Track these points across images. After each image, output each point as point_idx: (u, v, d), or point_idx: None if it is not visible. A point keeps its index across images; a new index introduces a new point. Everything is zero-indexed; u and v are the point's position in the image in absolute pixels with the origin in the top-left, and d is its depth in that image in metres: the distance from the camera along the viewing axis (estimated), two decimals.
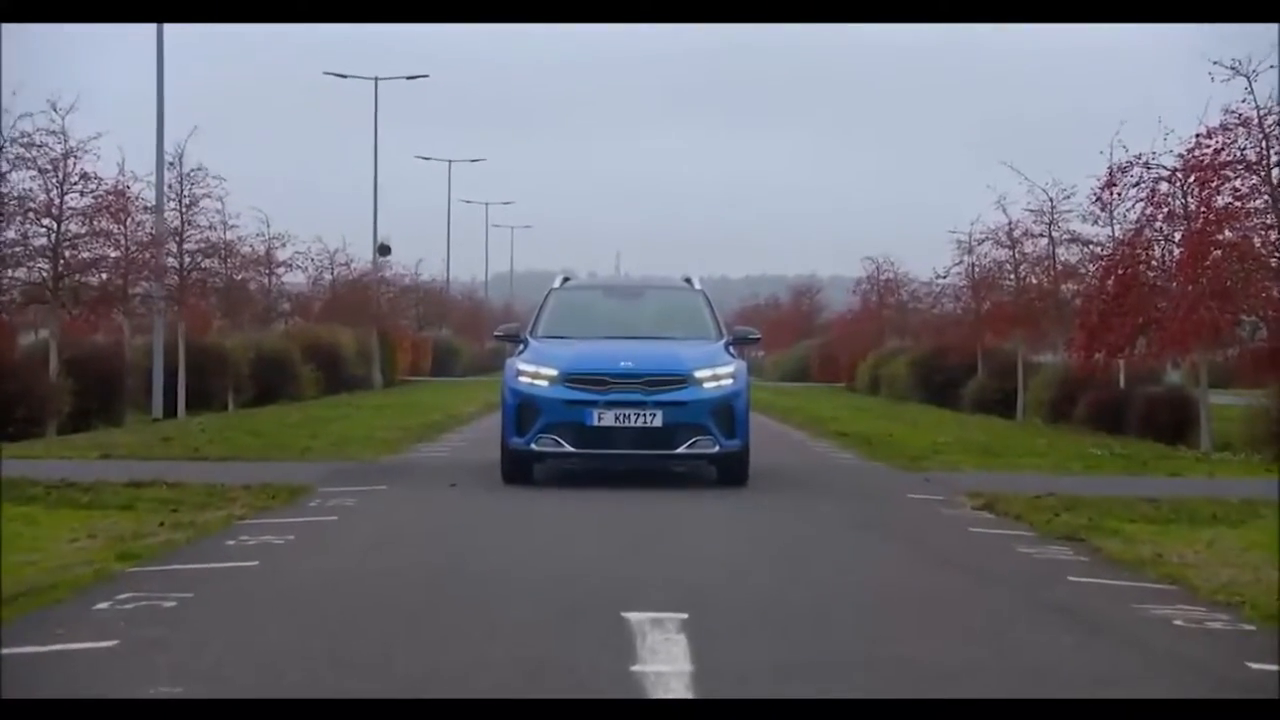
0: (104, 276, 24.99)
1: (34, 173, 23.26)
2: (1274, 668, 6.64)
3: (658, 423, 14.32)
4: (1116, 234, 23.77)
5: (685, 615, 7.43)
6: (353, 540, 10.57)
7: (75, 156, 23.48)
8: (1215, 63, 19.29)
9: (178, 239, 28.51)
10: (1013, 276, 30.77)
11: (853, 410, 33.06)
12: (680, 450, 14.45)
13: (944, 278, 34.39)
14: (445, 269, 72.95)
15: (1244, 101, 19.34)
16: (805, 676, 6.38)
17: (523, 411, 14.50)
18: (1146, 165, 20.71)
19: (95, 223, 24.09)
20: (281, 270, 37.90)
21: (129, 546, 9.79)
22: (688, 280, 16.91)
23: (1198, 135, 19.71)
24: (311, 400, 34.49)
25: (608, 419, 14.33)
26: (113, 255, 24.92)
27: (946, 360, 36.47)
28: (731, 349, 15.32)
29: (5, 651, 6.48)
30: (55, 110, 23.25)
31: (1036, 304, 29.81)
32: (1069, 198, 28.51)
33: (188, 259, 28.76)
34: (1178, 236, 20.58)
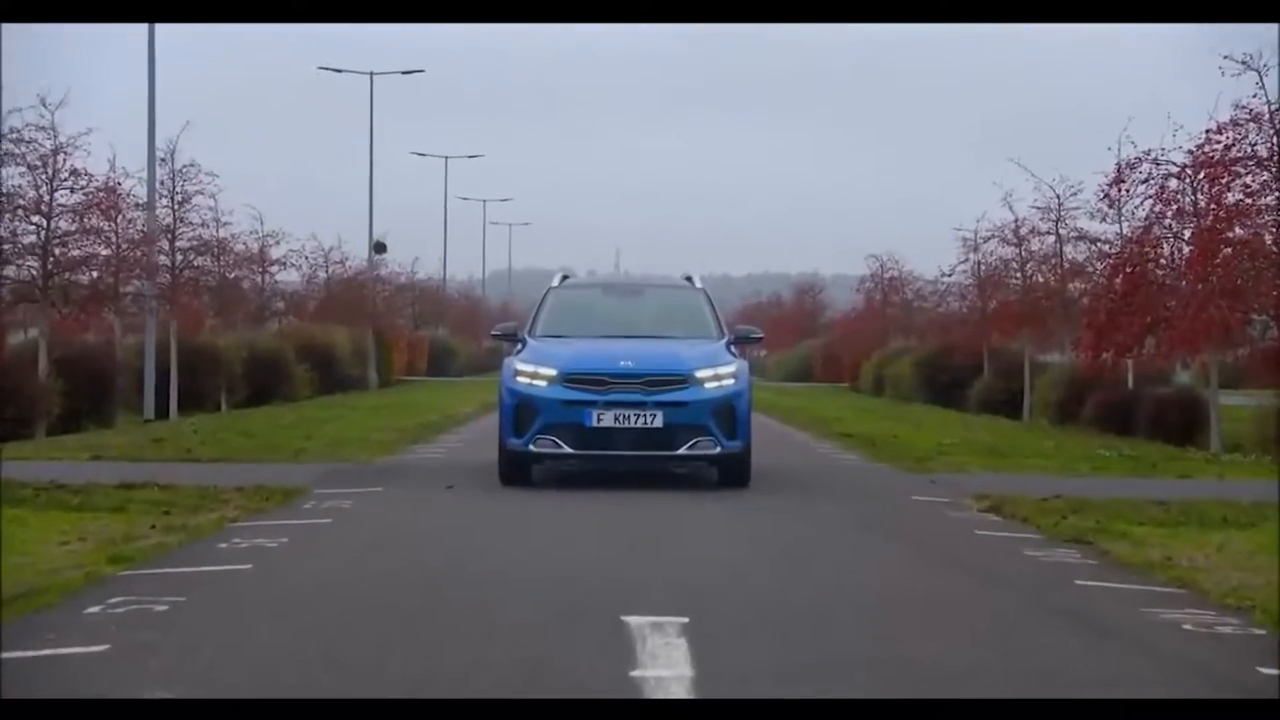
0: (94, 274, 24.98)
1: (23, 169, 23.27)
2: None
3: (658, 423, 14.32)
4: (1125, 231, 23.82)
5: (686, 619, 7.43)
6: (348, 543, 10.57)
7: (65, 152, 23.50)
8: (1226, 57, 19.30)
9: (170, 236, 28.52)
10: (1019, 275, 30.79)
11: (856, 411, 33.07)
12: (681, 451, 14.45)
13: (949, 276, 34.45)
14: (442, 267, 72.99)
15: (1255, 96, 19.35)
16: (808, 680, 6.38)
17: (521, 412, 14.50)
18: (1155, 161, 20.72)
19: (86, 220, 24.08)
20: (275, 268, 37.92)
21: (120, 549, 9.79)
22: (688, 278, 16.91)
23: (1208, 131, 19.71)
24: (306, 401, 34.48)
25: (607, 419, 14.33)
26: (103, 253, 24.91)
27: (952, 360, 36.47)
28: (733, 348, 15.33)
29: None
30: (45, 105, 23.27)
31: (1043, 303, 29.82)
32: (1076, 194, 28.55)
33: (180, 257, 28.78)
34: (1187, 234, 20.58)
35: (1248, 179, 19.56)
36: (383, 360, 48.09)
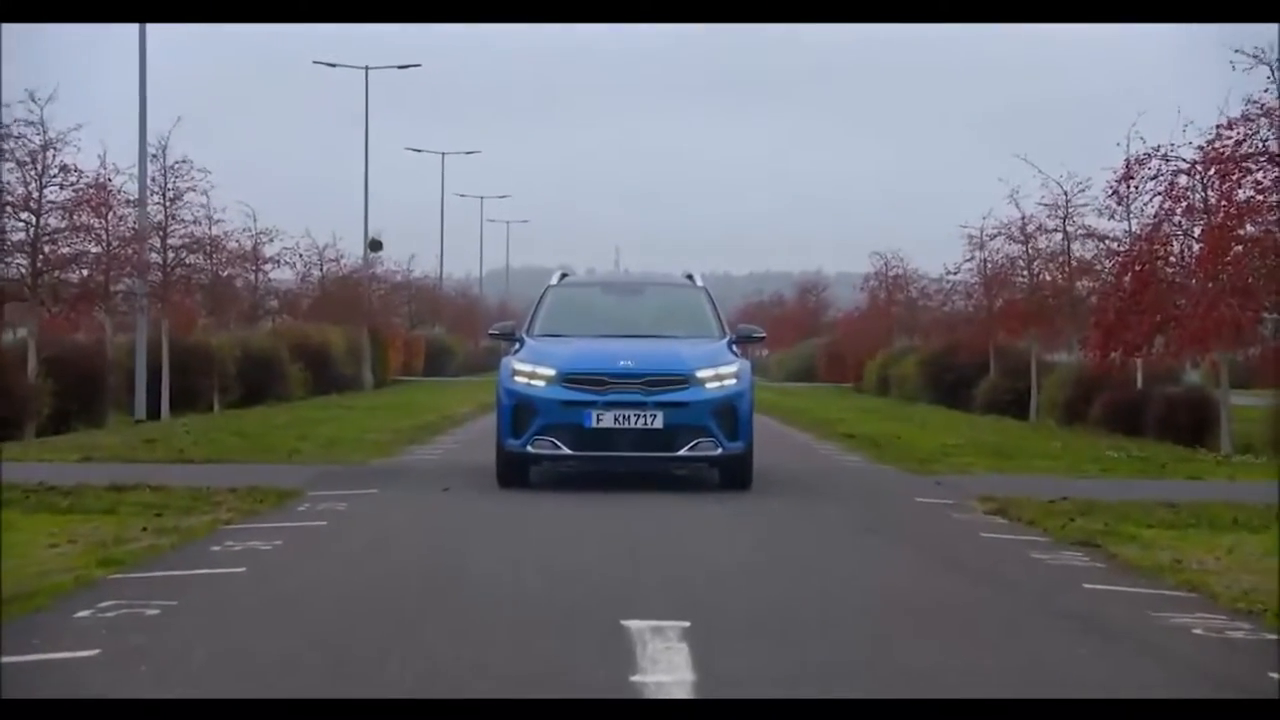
0: (84, 273, 24.97)
1: (11, 165, 23.27)
2: None
3: (658, 424, 14.31)
4: (1134, 229, 23.81)
5: (687, 623, 7.43)
6: (343, 546, 10.57)
7: (55, 148, 23.48)
8: (1237, 51, 19.28)
9: (161, 234, 28.51)
10: (1026, 273, 30.79)
11: (860, 411, 33.07)
12: (681, 452, 14.45)
13: (955, 274, 34.45)
14: (439, 265, 73.06)
15: (1266, 91, 19.35)
16: (810, 685, 6.38)
17: (518, 412, 14.50)
18: (1165, 157, 20.72)
19: (75, 217, 24.08)
20: (269, 266, 37.91)
21: (111, 552, 9.79)
22: (689, 276, 16.91)
23: (1218, 126, 19.72)
24: (300, 401, 34.49)
25: (606, 420, 14.33)
26: (94, 251, 24.90)
27: (957, 359, 36.47)
28: (734, 348, 15.32)
29: None
30: (34, 100, 23.27)
31: (1050, 301, 29.83)
32: (1084, 191, 28.56)
33: (171, 255, 28.76)
34: (1197, 231, 20.58)
35: (1259, 175, 19.56)
36: (378, 360, 48.10)
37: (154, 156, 28.67)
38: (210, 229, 30.82)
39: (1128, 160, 21.63)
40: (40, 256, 23.51)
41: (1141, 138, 21.74)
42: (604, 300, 16.65)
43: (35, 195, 23.44)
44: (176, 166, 28.87)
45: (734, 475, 14.70)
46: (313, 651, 6.93)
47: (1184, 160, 20.45)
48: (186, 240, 29.30)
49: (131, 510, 12.08)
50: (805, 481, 16.00)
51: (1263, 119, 19.38)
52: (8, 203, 23.26)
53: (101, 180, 24.85)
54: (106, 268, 25.21)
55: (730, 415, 14.47)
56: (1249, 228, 19.74)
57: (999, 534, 11.70)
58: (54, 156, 23.49)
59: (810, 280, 75.56)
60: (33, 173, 23.40)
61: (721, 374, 14.64)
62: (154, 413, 27.37)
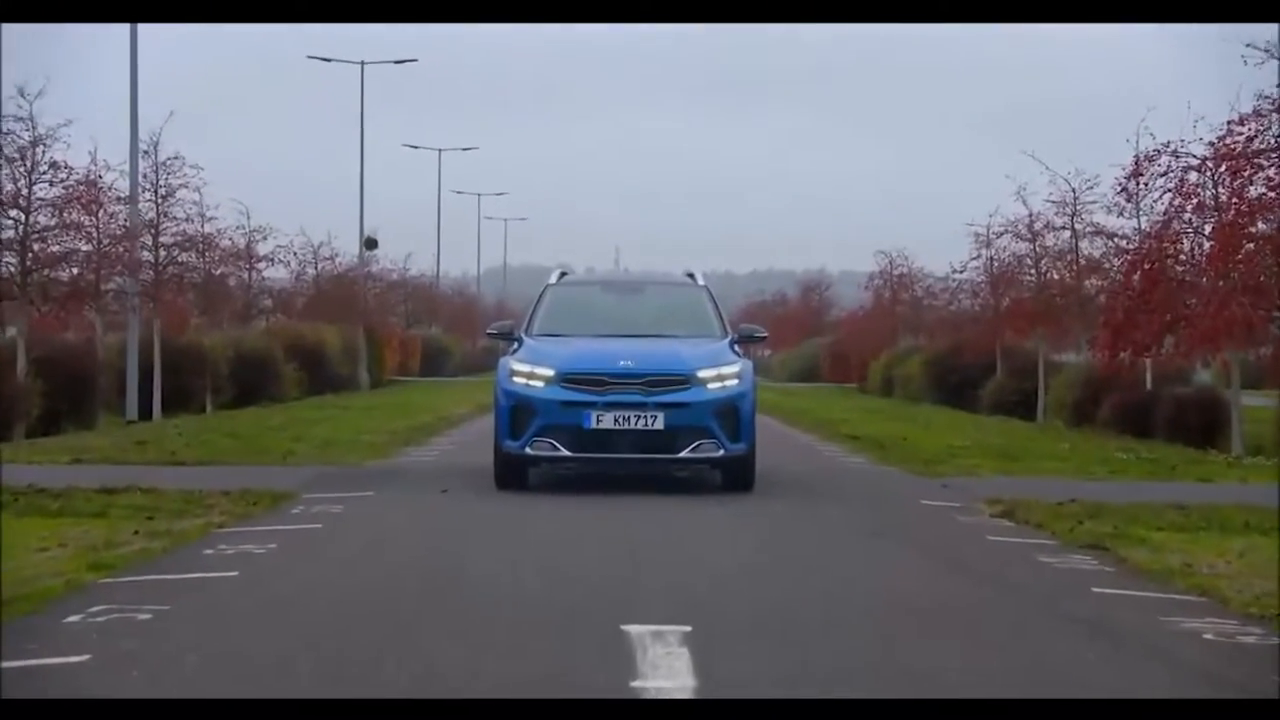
0: (75, 271, 24.97)
1: None
2: None
3: (659, 425, 14.31)
4: (1143, 226, 23.82)
5: (688, 627, 7.43)
6: (338, 549, 10.57)
7: (44, 144, 23.48)
8: (1248, 45, 19.26)
9: (153, 232, 28.51)
10: (1033, 271, 30.78)
11: (864, 412, 33.07)
12: (683, 454, 14.44)
13: (961, 272, 34.43)
14: (435, 263, 73.07)
15: (1279, 86, 19.32)
16: (813, 691, 6.38)
17: (517, 413, 14.50)
18: (1175, 153, 20.70)
19: (65, 214, 24.07)
20: (263, 265, 37.88)
21: (101, 556, 9.79)
22: (690, 275, 16.91)
23: (1229, 122, 19.69)
24: (294, 402, 34.49)
25: (606, 421, 14.32)
26: (84, 249, 24.89)
27: (963, 360, 36.47)
28: (736, 348, 15.32)
29: None
30: (23, 96, 23.27)
31: (1058, 300, 29.82)
32: (1093, 188, 28.54)
33: (163, 253, 28.76)
34: (1208, 229, 20.57)
35: (1271, 172, 19.54)
36: (374, 360, 48.11)
37: (145, 153, 28.68)
38: (203, 227, 30.84)
39: (1137, 157, 21.66)
40: (30, 254, 23.50)
41: (1151, 133, 21.78)
42: (604, 299, 16.65)
43: (24, 192, 23.43)
44: (168, 163, 28.89)
45: (736, 477, 14.70)
46: (307, 657, 6.93)
47: (1194, 156, 20.44)
48: (179, 238, 29.30)
49: (122, 513, 12.07)
50: (808, 483, 16.00)
51: (1274, 114, 19.35)
52: None
53: (92, 177, 24.87)
54: (97, 266, 25.21)
55: (732, 416, 14.47)
56: (1261, 225, 19.73)
57: (1006, 537, 11.70)
58: (44, 153, 23.50)
59: (813, 279, 75.52)
60: (22, 169, 23.40)
61: (723, 374, 14.64)
62: (145, 414, 27.37)
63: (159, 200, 28.81)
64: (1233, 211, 19.76)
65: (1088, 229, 28.97)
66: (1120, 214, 25.23)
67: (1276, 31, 18.10)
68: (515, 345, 15.34)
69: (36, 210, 23.60)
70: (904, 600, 8.74)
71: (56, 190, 23.83)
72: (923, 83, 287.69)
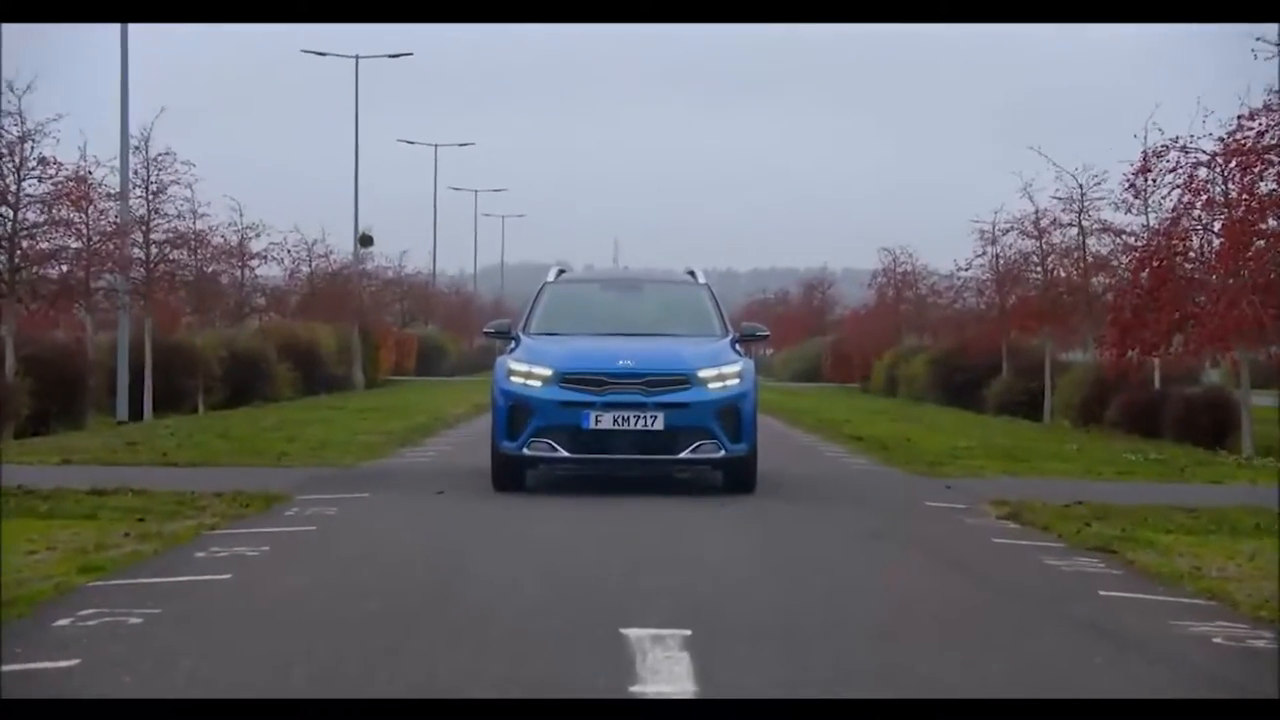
0: (64, 268, 24.97)
1: None
2: None
3: (659, 425, 14.31)
4: (1151, 223, 23.81)
5: (688, 631, 7.43)
6: (333, 552, 10.57)
7: (33, 140, 23.47)
8: (1259, 39, 19.27)
9: (144, 228, 28.51)
10: (1039, 269, 30.79)
11: (867, 412, 33.08)
12: (683, 455, 14.44)
13: (966, 270, 34.45)
14: (431, 261, 73.03)
15: None
16: (814, 695, 6.38)
17: (514, 413, 14.50)
18: (1184, 149, 20.72)
19: (55, 211, 24.06)
20: (256, 262, 37.82)
21: (91, 559, 9.79)
22: (691, 273, 16.92)
23: (1239, 117, 19.71)
24: (288, 402, 34.49)
25: (605, 421, 14.32)
26: (74, 246, 24.90)
27: (968, 359, 36.49)
28: (738, 347, 15.32)
29: None
30: (11, 90, 23.25)
31: (1065, 298, 29.82)
32: (1100, 184, 28.55)
33: (155, 250, 28.76)
34: (1217, 226, 20.59)
35: None
36: (369, 359, 48.12)
37: (136, 148, 28.68)
38: (195, 223, 30.84)
39: (1145, 152, 21.66)
40: (18, 252, 23.49)
41: (1159, 129, 21.79)
42: (603, 298, 16.65)
43: (13, 188, 23.43)
44: (160, 159, 28.89)
45: (737, 478, 14.70)
46: (302, 662, 6.93)
47: (1204, 152, 20.46)
48: (170, 235, 29.30)
49: (113, 515, 12.07)
50: (811, 485, 16.01)
51: None
52: None
53: (82, 173, 24.84)
54: (87, 263, 25.21)
55: (733, 416, 14.47)
56: (1271, 222, 19.75)
57: (1012, 539, 11.70)
58: (33, 148, 23.49)
59: (816, 277, 75.43)
60: (10, 165, 23.39)
61: (724, 374, 14.64)
62: (136, 414, 27.37)
63: (150, 197, 28.81)
64: (1243, 208, 19.76)
65: (1095, 226, 29.00)
66: (1128, 210, 25.26)
67: (1277, 32, 18.10)
68: (513, 344, 15.34)
69: (25, 207, 23.60)
70: (908, 604, 8.74)
71: (46, 186, 23.84)
72: (927, 79, 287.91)
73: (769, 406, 29.53)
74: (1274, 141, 19.49)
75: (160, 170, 28.86)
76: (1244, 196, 19.80)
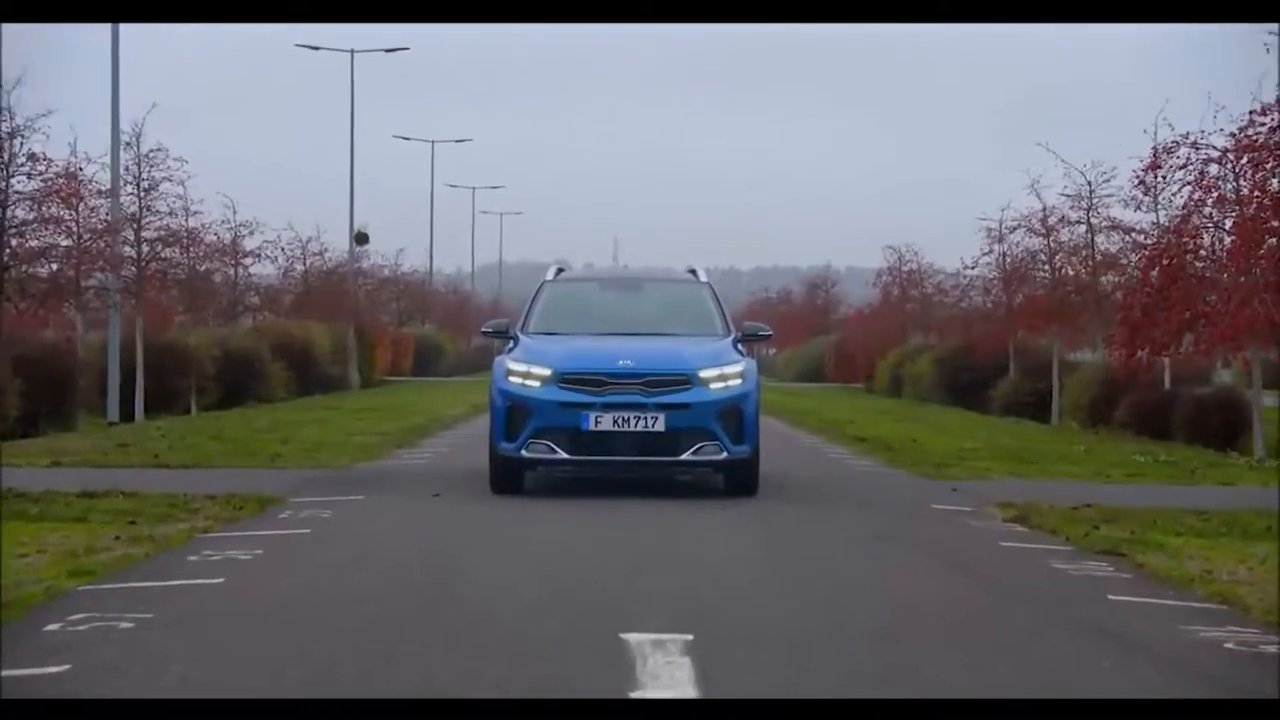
0: (54, 267, 24.94)
1: None
2: None
3: (660, 427, 14.31)
4: (1161, 220, 23.80)
5: (690, 636, 7.43)
6: (327, 556, 10.57)
7: (22, 136, 23.44)
8: (1271, 32, 19.25)
9: (135, 226, 28.50)
10: (1047, 267, 30.78)
11: (872, 413, 33.07)
12: (684, 457, 14.44)
13: (972, 268, 34.43)
14: (428, 259, 73.02)
15: None
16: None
17: (512, 414, 14.50)
18: (1195, 145, 20.70)
19: (44, 208, 24.03)
20: (249, 260, 37.77)
21: (82, 562, 9.79)
22: (692, 271, 16.92)
23: (1251, 112, 19.69)
24: (282, 402, 34.50)
25: (605, 423, 14.32)
26: (63, 244, 24.88)
27: (974, 359, 36.48)
28: (740, 346, 15.32)
29: None
30: (0, 86, 23.23)
31: (1073, 297, 29.82)
32: (1109, 181, 28.54)
33: (146, 248, 28.76)
34: (1229, 223, 20.57)
35: None
36: (364, 359, 48.12)
37: (127, 144, 28.67)
38: (187, 221, 30.79)
39: (1155, 148, 21.64)
40: (7, 250, 23.47)
41: (1170, 124, 21.76)
42: (602, 296, 16.66)
43: (1, 185, 23.41)
44: (151, 155, 28.87)
45: (739, 480, 14.70)
46: (296, 667, 6.93)
47: (1215, 148, 20.44)
48: (162, 233, 29.28)
49: (104, 518, 12.08)
50: (814, 487, 16.01)
51: None
52: None
53: (72, 169, 24.84)
54: (77, 262, 25.19)
55: (735, 417, 14.47)
56: None
57: (1019, 542, 11.70)
58: (21, 144, 23.46)
59: (819, 275, 75.48)
60: None
61: (726, 374, 14.64)
62: (128, 415, 27.36)
63: (141, 194, 28.80)
64: (1254, 205, 19.75)
65: (1104, 223, 28.98)
66: (1138, 208, 25.23)
67: (1278, 32, 18.09)
68: (511, 344, 15.34)
69: (14, 204, 23.55)
70: (912, 608, 8.74)
71: (35, 183, 23.80)
72: (929, 76, 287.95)
73: (771, 407, 29.52)
74: None
75: (152, 167, 28.86)
76: (1256, 193, 19.79)
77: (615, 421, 14.31)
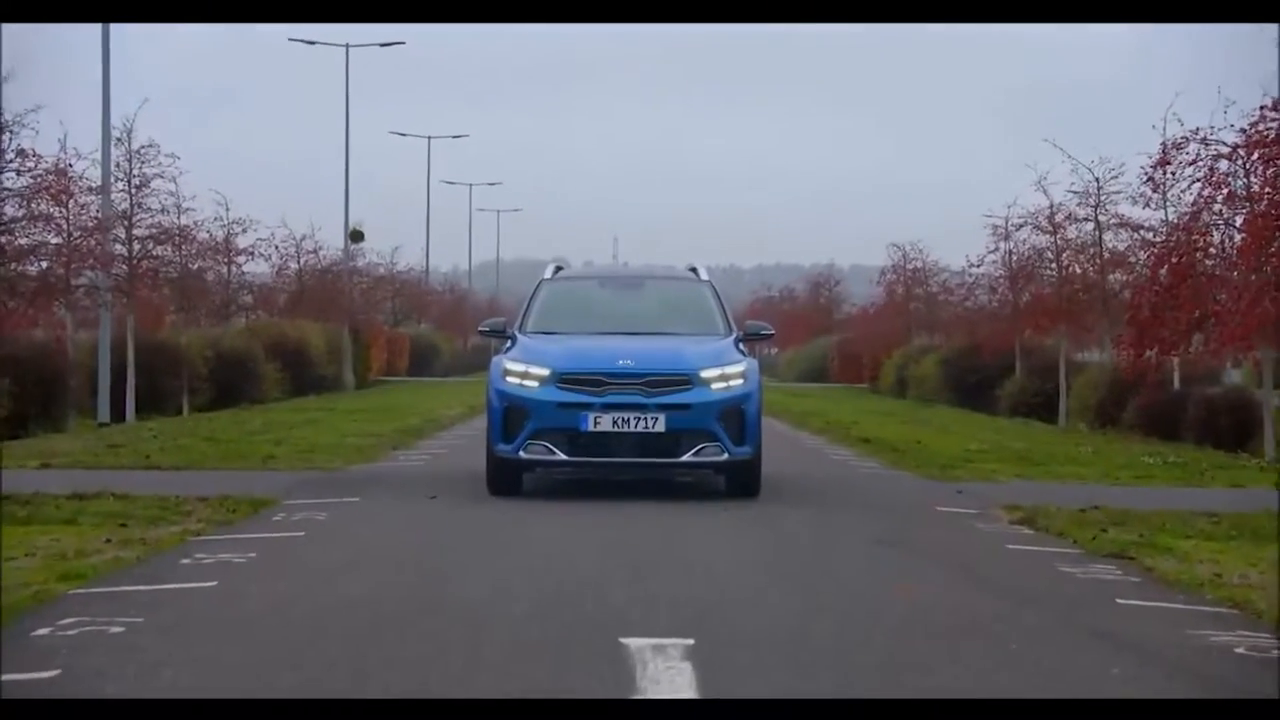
0: (44, 265, 24.95)
1: None
2: None
3: (660, 428, 14.31)
4: (1170, 218, 23.81)
5: (690, 641, 7.43)
6: (322, 559, 10.56)
7: (11, 131, 23.44)
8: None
9: (126, 223, 28.52)
10: (1054, 265, 30.79)
11: (876, 414, 33.08)
12: (685, 458, 14.44)
13: (978, 267, 34.48)
14: (424, 257, 73.02)
15: None
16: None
17: (510, 415, 14.50)
18: (1204, 141, 20.70)
19: (33, 205, 24.03)
20: (242, 259, 37.89)
21: (72, 566, 9.79)
22: (693, 270, 16.92)
23: (1262, 107, 19.69)
24: (276, 403, 34.50)
25: (604, 423, 14.31)
26: (53, 241, 24.88)
27: (980, 359, 36.52)
28: (741, 346, 15.32)
29: None
30: None
31: (1081, 296, 29.84)
32: (1117, 177, 28.57)
33: (137, 246, 28.77)
34: (1239, 220, 20.57)
35: None
36: (360, 359, 48.14)
37: (118, 140, 28.71)
38: (179, 218, 30.85)
39: (1164, 144, 21.65)
40: None
41: (1179, 120, 21.78)
42: (602, 295, 16.66)
43: None
44: (143, 151, 28.92)
45: (741, 482, 14.70)
46: (289, 673, 6.93)
47: (1225, 144, 20.44)
48: (153, 231, 29.30)
49: (94, 521, 12.07)
50: (817, 489, 16.01)
51: None
52: None
53: (62, 166, 24.85)
54: (67, 260, 25.19)
55: (737, 418, 14.46)
56: None
57: (1025, 545, 11.70)
58: (10, 140, 23.46)
59: (822, 274, 75.53)
60: None
61: (728, 374, 14.64)
62: (118, 416, 27.37)
63: (133, 190, 28.83)
64: (1265, 202, 19.74)
65: (1112, 221, 29.02)
66: (1146, 205, 25.28)
67: (1277, 32, 18.08)
68: (509, 343, 15.34)
69: (3, 201, 23.55)
70: (917, 612, 8.73)
71: (24, 180, 23.77)
72: (933, 71, 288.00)
73: (774, 408, 29.53)
74: None
75: (143, 163, 28.91)
76: (1267, 190, 19.79)
77: (615, 422, 14.31)
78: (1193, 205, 21.21)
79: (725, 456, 14.45)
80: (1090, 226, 29.61)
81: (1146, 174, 23.03)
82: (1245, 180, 20.41)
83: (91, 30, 29.15)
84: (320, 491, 14.60)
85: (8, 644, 7.38)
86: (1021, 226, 31.57)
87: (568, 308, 15.99)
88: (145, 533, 11.47)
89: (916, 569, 10.68)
